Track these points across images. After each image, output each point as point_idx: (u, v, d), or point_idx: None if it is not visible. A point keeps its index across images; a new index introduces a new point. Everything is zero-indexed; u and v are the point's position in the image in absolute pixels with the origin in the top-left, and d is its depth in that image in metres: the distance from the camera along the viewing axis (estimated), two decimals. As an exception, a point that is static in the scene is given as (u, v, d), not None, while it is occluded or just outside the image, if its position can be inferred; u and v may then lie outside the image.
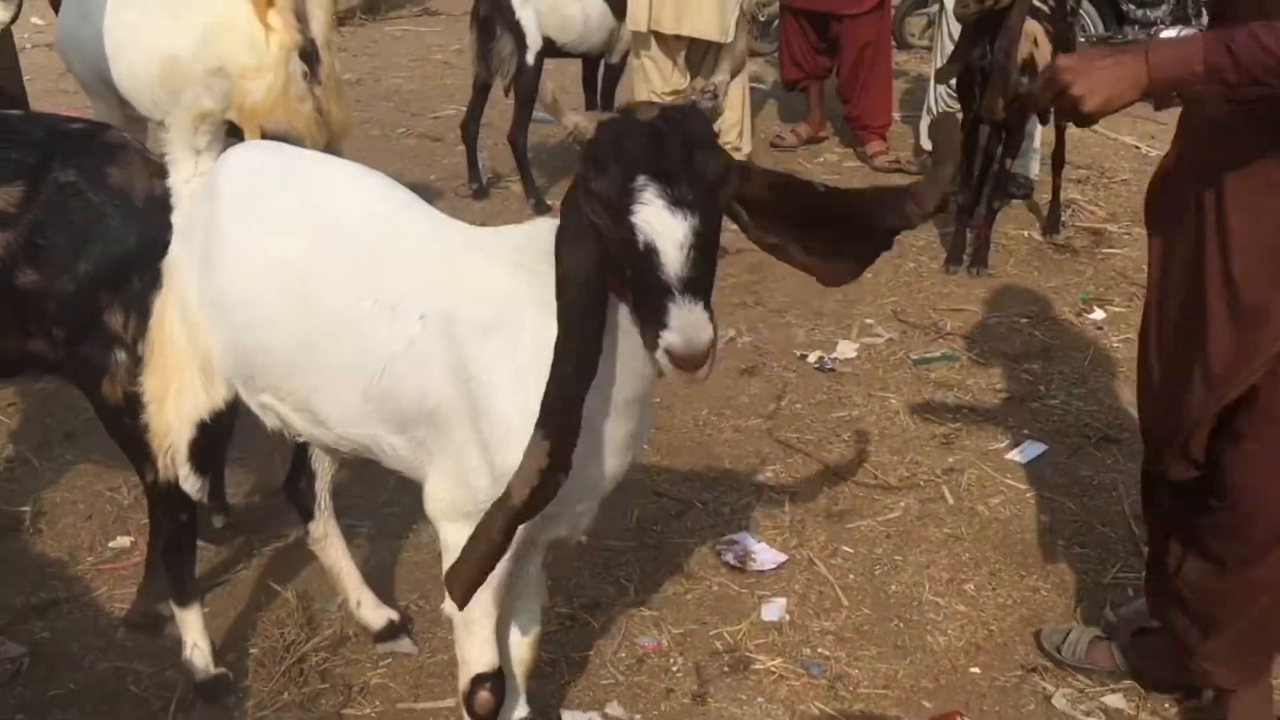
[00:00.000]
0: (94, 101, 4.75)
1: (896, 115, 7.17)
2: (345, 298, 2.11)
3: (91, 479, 3.54)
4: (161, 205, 2.47)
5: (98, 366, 2.50)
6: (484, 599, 2.14)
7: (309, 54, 4.47)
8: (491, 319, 1.99)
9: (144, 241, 2.45)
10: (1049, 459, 3.74)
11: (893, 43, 8.99)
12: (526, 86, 5.68)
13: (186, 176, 2.38)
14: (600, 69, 6.27)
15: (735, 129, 6.08)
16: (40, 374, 2.70)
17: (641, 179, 1.67)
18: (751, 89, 8.01)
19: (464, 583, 1.90)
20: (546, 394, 1.79)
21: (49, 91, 7.78)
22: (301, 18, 4.42)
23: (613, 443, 2.04)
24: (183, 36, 4.41)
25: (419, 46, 9.32)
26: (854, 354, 4.43)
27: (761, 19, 9.33)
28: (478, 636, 2.22)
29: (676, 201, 1.67)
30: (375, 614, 2.85)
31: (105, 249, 2.43)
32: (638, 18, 5.58)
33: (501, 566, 2.08)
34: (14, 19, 3.73)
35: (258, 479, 3.51)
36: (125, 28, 4.44)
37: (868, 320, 4.72)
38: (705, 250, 1.70)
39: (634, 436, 2.10)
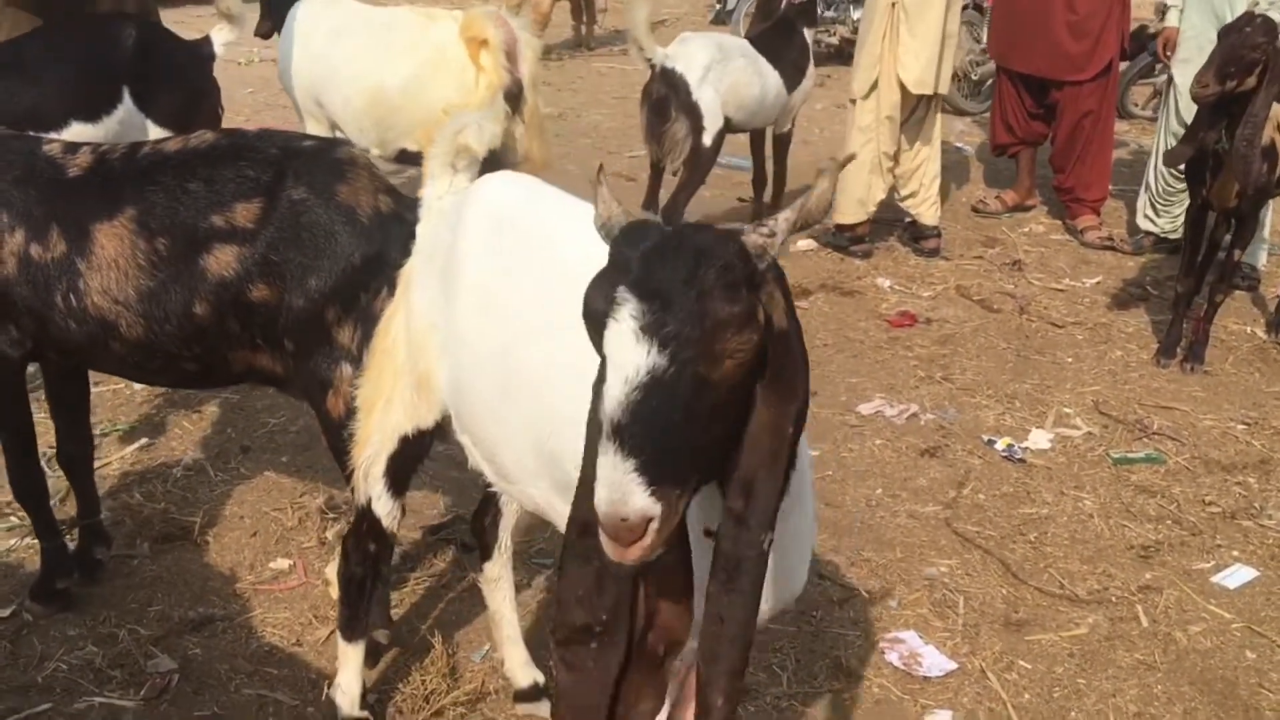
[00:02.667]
0: (307, 122, 4.92)
1: (1112, 188, 6.78)
2: (538, 353, 2.00)
3: (261, 495, 3.60)
4: (387, 221, 2.53)
5: (325, 380, 2.54)
6: None
7: (514, 94, 4.53)
8: None
9: (369, 257, 2.50)
10: (1260, 587, 3.39)
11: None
12: (701, 168, 5.41)
13: (440, 193, 2.36)
14: (768, 135, 6.06)
15: (936, 181, 5.92)
16: (265, 385, 2.76)
17: (623, 291, 1.36)
18: (956, 150, 7.81)
19: None
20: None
21: (270, 105, 8.17)
22: (512, 59, 4.47)
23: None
24: (397, 72, 4.53)
25: (622, 84, 9.38)
26: (1047, 445, 4.14)
27: (974, 77, 9.06)
28: None
29: (649, 328, 1.33)
30: (523, 671, 2.77)
31: (333, 264, 2.48)
32: (926, 81, 5.60)
33: None
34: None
35: (419, 516, 3.49)
36: (342, 59, 4.57)
37: (1065, 409, 4.41)
38: (664, 405, 1.32)
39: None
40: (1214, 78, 4.02)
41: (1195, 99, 4.23)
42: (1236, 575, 3.43)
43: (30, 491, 2.92)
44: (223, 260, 2.52)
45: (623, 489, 1.32)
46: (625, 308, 1.34)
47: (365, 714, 2.63)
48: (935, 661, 3.02)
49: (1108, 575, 3.42)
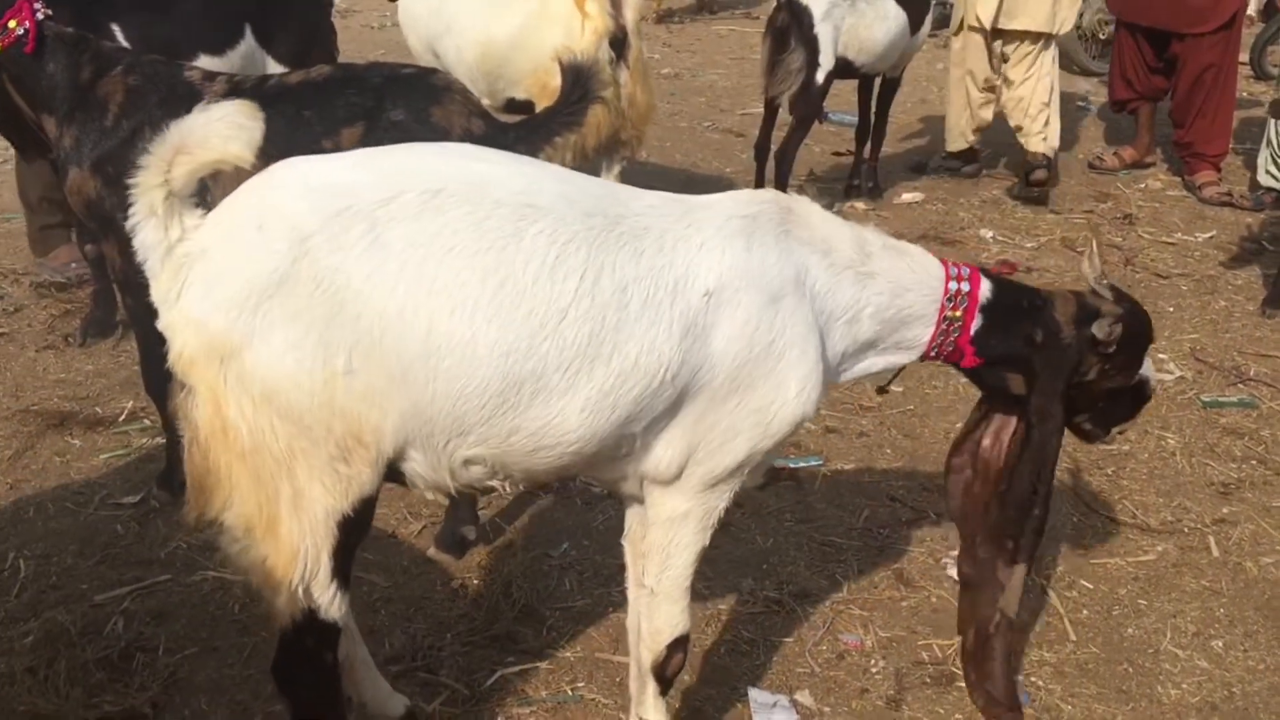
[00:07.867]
0: (424, 73, 5.15)
1: (1239, 147, 6.60)
2: (591, 302, 1.90)
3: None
4: (477, 141, 2.72)
5: None
6: (693, 567, 2.22)
7: (619, 40, 4.67)
8: (786, 279, 2.05)
9: None
10: (1343, 526, 3.36)
11: (1250, 72, 8.33)
12: (810, 106, 5.43)
13: None
14: (877, 83, 6.02)
15: (1044, 114, 5.93)
16: None
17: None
18: (1077, 107, 7.67)
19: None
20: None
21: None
22: (617, 5, 4.62)
23: None
24: (505, 24, 4.71)
25: (740, 45, 9.46)
26: (1136, 387, 4.13)
27: (1102, 37, 8.85)
28: (682, 602, 2.24)
29: None
30: None
31: None
32: (983, 16, 5.78)
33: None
34: None
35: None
36: (454, 11, 4.79)
37: (1160, 355, 4.38)
38: None
39: None
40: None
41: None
42: (1319, 513, 3.41)
43: (162, 388, 3.21)
44: None
45: None
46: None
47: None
48: (996, 578, 3.09)
49: (1183, 508, 3.43)
